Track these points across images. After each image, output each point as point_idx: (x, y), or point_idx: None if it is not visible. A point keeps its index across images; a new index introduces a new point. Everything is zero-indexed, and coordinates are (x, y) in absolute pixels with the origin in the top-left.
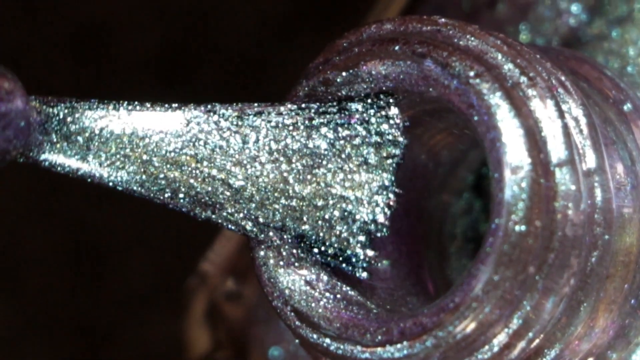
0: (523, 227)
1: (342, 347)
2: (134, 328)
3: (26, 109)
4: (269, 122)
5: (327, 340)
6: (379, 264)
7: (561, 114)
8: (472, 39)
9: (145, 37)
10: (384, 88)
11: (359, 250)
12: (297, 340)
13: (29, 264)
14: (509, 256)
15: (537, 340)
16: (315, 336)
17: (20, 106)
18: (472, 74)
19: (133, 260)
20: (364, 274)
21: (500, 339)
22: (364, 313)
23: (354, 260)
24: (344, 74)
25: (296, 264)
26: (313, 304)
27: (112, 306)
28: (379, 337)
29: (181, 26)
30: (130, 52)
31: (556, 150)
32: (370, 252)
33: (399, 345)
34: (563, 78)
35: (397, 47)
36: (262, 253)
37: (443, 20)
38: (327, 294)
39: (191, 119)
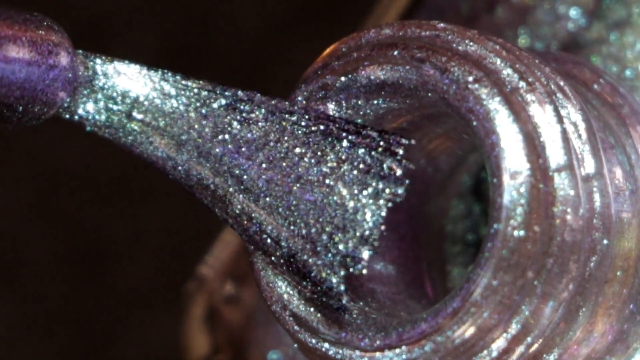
0: (522, 232)
1: (340, 351)
2: (132, 331)
3: (74, 62)
4: (295, 124)
5: (326, 345)
6: (384, 269)
7: (560, 119)
8: (471, 43)
9: (145, 37)
10: (383, 93)
11: (335, 285)
12: (295, 345)
13: (29, 264)
14: (508, 261)
15: (535, 345)
16: (314, 341)
17: (68, 59)
18: (470, 79)
19: (132, 262)
20: (337, 310)
21: (499, 344)
22: (363, 317)
23: (330, 293)
24: (342, 78)
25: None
26: (312, 309)
27: (111, 309)
28: (378, 342)
29: (181, 26)
30: (130, 52)
31: (555, 156)
32: (342, 288)
33: (397, 350)
34: (562, 83)
35: (396, 52)
36: (261, 258)
37: (442, 25)
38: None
39: (230, 104)
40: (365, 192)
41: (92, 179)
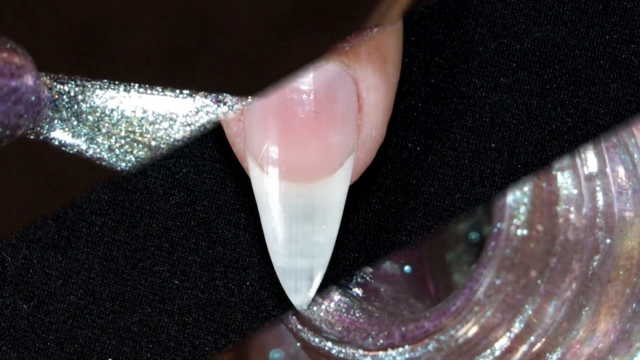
0: (525, 231)
1: (344, 350)
2: None
3: (37, 84)
4: None
5: (329, 344)
6: (388, 268)
7: None
8: None
9: (145, 37)
10: None
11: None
12: (298, 344)
13: None
14: (511, 260)
15: (538, 344)
16: (317, 340)
17: (31, 81)
18: None
19: None
20: (358, 290)
21: (502, 343)
22: (366, 316)
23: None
24: None
25: None
26: (315, 308)
27: None
28: (381, 341)
29: (181, 26)
30: (130, 52)
31: None
32: (368, 268)
33: (400, 349)
34: None
35: None
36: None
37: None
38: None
39: (201, 108)
40: None
41: (92, 178)
